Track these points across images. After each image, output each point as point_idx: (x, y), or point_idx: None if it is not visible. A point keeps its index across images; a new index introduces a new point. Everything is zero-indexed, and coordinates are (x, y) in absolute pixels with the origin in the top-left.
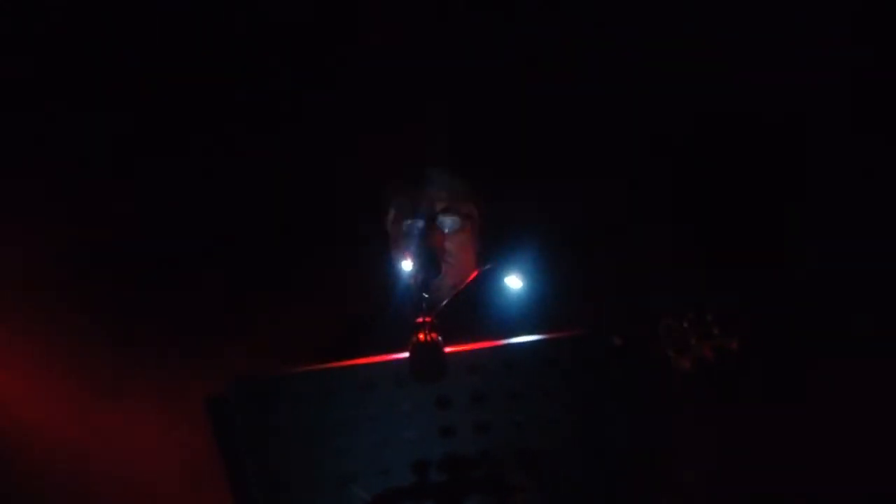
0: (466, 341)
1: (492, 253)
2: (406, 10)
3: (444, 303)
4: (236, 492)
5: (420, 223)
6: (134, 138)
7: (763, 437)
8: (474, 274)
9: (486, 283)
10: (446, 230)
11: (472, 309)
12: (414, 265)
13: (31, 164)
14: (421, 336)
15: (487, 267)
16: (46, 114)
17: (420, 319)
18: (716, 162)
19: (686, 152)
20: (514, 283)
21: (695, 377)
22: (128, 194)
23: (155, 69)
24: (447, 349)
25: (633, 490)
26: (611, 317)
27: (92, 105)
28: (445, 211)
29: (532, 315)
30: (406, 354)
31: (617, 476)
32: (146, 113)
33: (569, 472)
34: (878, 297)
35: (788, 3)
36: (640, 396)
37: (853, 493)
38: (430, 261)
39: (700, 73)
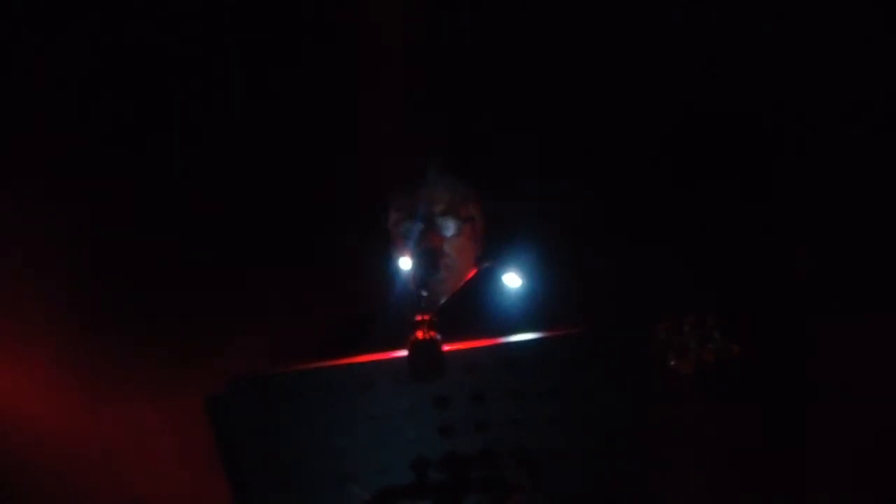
0: (465, 340)
1: (490, 252)
2: (408, 8)
3: (443, 301)
4: (236, 490)
5: (419, 225)
6: (133, 138)
7: (763, 438)
8: (473, 272)
9: (485, 281)
10: (446, 233)
11: (471, 307)
12: (412, 265)
13: (31, 165)
14: (419, 335)
15: (486, 265)
16: (46, 114)
17: (419, 318)
18: (716, 162)
19: (686, 152)
20: (512, 281)
21: (696, 379)
22: (127, 194)
23: (153, 68)
24: (446, 348)
25: (633, 489)
26: (610, 315)
27: (91, 104)
28: (445, 213)
29: (530, 313)
30: (405, 353)
31: (616, 474)
32: (144, 113)
33: (568, 470)
34: (877, 296)
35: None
36: (640, 395)
37: (853, 494)
38: (429, 261)
39: (700, 72)
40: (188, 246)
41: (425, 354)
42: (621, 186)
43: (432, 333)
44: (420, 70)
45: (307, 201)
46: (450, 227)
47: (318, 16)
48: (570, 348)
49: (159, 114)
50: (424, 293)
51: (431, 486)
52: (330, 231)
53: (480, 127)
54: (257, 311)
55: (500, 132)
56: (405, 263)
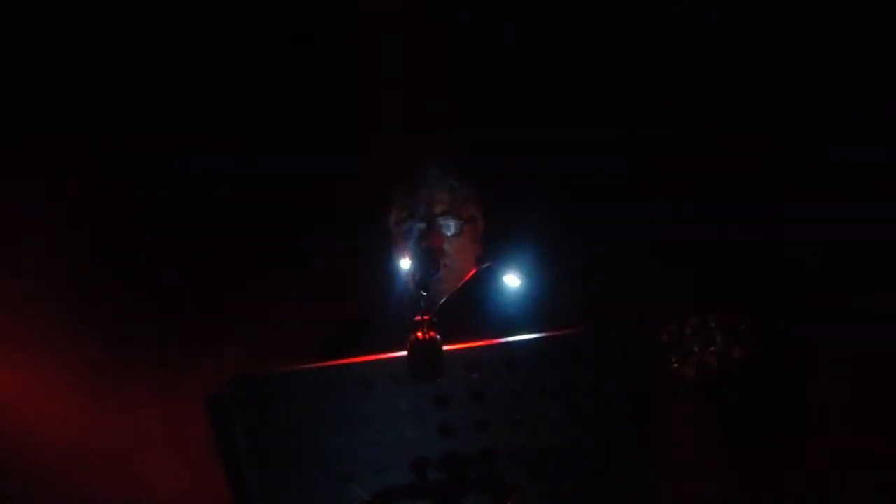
0: (465, 339)
1: (490, 252)
2: (406, 9)
3: (443, 301)
4: (236, 490)
5: (420, 224)
6: (134, 138)
7: (764, 440)
8: (472, 272)
9: (485, 281)
10: (447, 233)
11: (471, 307)
12: (412, 264)
13: (31, 164)
14: (419, 334)
15: (486, 265)
16: (47, 115)
17: (418, 318)
18: (716, 162)
19: (686, 152)
20: (512, 281)
21: (697, 382)
22: (128, 194)
23: (154, 68)
24: (445, 347)
25: (633, 489)
26: (610, 315)
27: (94, 102)
28: (446, 213)
29: (530, 313)
30: (404, 353)
31: (616, 474)
32: (146, 112)
33: (568, 470)
34: (877, 298)
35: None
36: (640, 395)
37: (853, 495)
38: (428, 260)
39: (701, 73)
40: (188, 246)
41: (425, 354)
42: (622, 187)
43: (432, 333)
44: (421, 70)
45: (308, 201)
46: (450, 227)
47: (320, 15)
48: (570, 348)
49: (161, 113)
50: (424, 293)
51: (431, 486)
52: (330, 231)
53: (481, 127)
54: (257, 311)
55: (501, 132)
56: (405, 263)
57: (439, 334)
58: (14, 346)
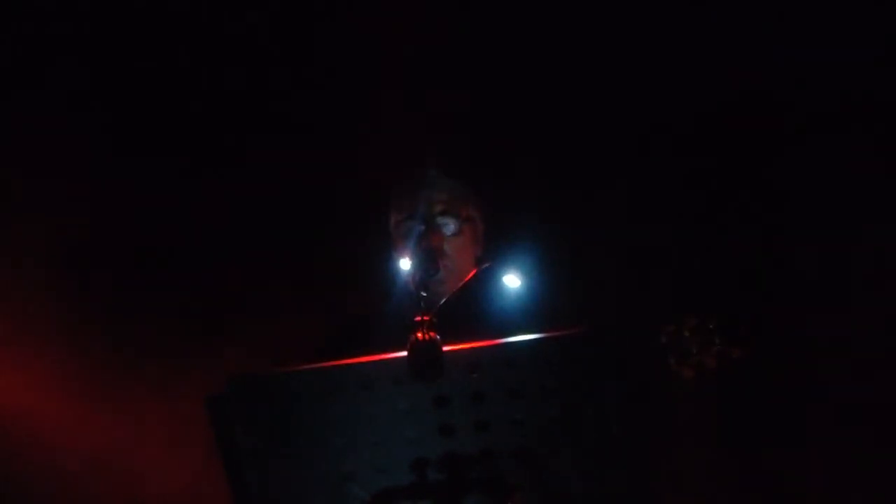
0: (465, 340)
1: (490, 252)
2: (404, 9)
3: (443, 301)
4: (235, 490)
5: (420, 224)
6: (134, 138)
7: (762, 439)
8: (472, 272)
9: (485, 281)
10: (446, 232)
11: (471, 308)
12: (412, 265)
13: (30, 165)
14: (419, 335)
15: (486, 266)
16: (47, 113)
17: (418, 318)
18: (716, 161)
19: (686, 151)
20: (512, 281)
21: (696, 383)
22: (127, 194)
23: (155, 67)
24: (445, 348)
25: (632, 489)
26: (610, 315)
27: (92, 103)
28: (445, 213)
29: (530, 313)
30: (404, 353)
31: (616, 475)
32: (145, 112)
33: (568, 470)
34: (877, 300)
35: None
36: (640, 396)
37: (853, 496)
38: (428, 260)
39: (699, 69)
40: (189, 246)
41: (425, 355)
42: (622, 186)
43: (432, 334)
44: (421, 70)
45: (307, 201)
46: (450, 227)
47: (321, 16)
48: (570, 349)
49: (159, 113)
50: (424, 294)
51: (431, 486)
52: (330, 231)
53: (481, 127)
54: (257, 310)
55: (501, 132)
56: (405, 264)
57: (439, 335)
58: (14, 346)
